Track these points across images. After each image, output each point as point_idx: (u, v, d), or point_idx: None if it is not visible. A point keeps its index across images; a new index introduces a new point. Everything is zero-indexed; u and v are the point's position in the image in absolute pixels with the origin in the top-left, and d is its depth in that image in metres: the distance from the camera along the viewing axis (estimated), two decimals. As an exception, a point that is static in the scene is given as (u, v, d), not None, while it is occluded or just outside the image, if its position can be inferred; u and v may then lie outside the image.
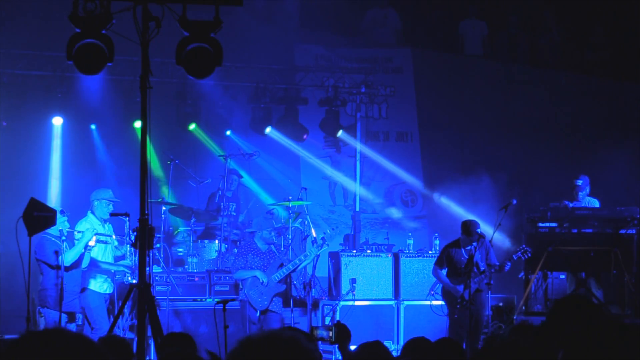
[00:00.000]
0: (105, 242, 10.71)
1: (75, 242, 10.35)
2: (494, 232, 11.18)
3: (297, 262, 11.10)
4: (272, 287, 10.78)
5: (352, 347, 6.37)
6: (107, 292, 10.77)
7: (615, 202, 12.89)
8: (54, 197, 13.47)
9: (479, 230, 11.06)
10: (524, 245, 11.38)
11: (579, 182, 12.69)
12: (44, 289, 10.07)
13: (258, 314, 10.69)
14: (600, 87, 16.20)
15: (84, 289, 10.51)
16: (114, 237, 10.73)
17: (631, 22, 15.71)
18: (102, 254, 10.69)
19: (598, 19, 16.75)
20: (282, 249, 12.47)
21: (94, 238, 10.47)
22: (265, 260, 10.90)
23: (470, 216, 11.94)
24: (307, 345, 2.69)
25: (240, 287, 10.91)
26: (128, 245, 10.55)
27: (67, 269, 10.02)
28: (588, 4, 16.43)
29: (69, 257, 10.07)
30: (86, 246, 10.36)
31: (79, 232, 10.41)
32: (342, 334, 5.91)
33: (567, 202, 12.56)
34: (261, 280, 10.72)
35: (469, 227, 11.03)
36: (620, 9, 16.01)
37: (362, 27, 16.77)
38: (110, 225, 10.91)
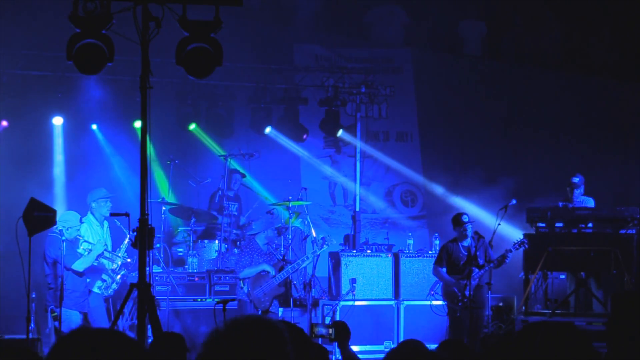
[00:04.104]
0: (110, 259, 10.76)
1: (81, 250, 10.42)
2: (494, 233, 11.19)
3: (296, 265, 11.14)
4: (273, 289, 10.81)
5: (355, 348, 6.37)
6: (107, 293, 10.79)
7: (616, 202, 12.88)
8: (58, 197, 13.48)
9: (466, 217, 11.10)
10: (521, 237, 11.38)
11: (576, 180, 12.69)
12: (65, 290, 10.01)
13: (260, 313, 10.69)
14: (603, 87, 16.19)
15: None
16: (119, 262, 10.73)
17: (634, 23, 15.69)
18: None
19: (601, 19, 16.74)
20: (282, 249, 12.47)
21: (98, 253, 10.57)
22: (267, 261, 10.92)
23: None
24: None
25: (241, 286, 10.91)
26: (119, 260, 10.68)
27: (68, 269, 10.14)
28: (590, 4, 16.42)
29: (80, 266, 10.20)
30: (99, 255, 10.49)
31: (87, 242, 10.47)
32: (341, 331, 5.91)
33: (561, 203, 12.56)
34: (271, 274, 10.73)
35: (457, 219, 11.11)
36: (624, 9, 16.00)
37: (365, 24, 16.75)
38: (107, 223, 10.98)
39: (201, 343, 2.82)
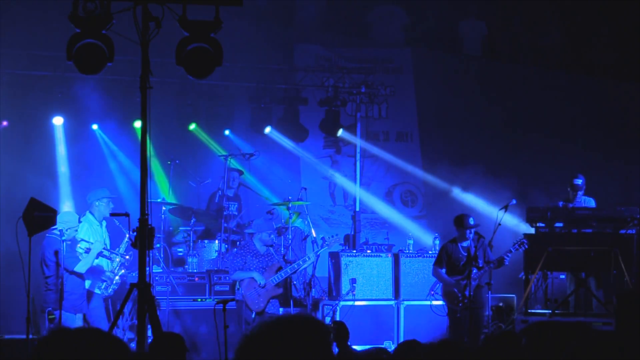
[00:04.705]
0: (108, 258, 10.75)
1: (79, 249, 10.40)
2: (493, 233, 11.17)
3: (296, 266, 11.08)
4: (270, 289, 10.76)
5: (358, 348, 6.37)
6: (106, 293, 10.77)
7: (617, 202, 12.87)
8: (59, 197, 13.47)
9: (472, 220, 11.07)
10: (520, 238, 11.36)
11: (578, 182, 12.66)
12: (64, 292, 9.98)
13: (254, 315, 10.67)
14: (603, 87, 16.19)
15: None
16: (118, 259, 10.71)
17: (635, 23, 15.69)
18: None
19: (601, 19, 16.74)
20: (282, 249, 12.45)
21: (98, 251, 10.53)
22: (264, 262, 10.88)
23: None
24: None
25: (238, 287, 10.90)
26: (118, 257, 10.66)
27: (71, 273, 10.13)
28: (591, 4, 16.41)
29: (82, 267, 10.19)
30: (98, 254, 10.47)
31: (84, 241, 10.44)
32: (340, 332, 5.92)
33: (561, 202, 12.55)
34: (258, 283, 10.70)
35: (462, 219, 11.07)
36: (624, 9, 15.99)
37: (367, 23, 16.76)
38: (105, 222, 10.95)
39: (244, 335, 2.78)
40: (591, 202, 12.68)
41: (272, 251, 11.07)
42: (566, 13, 16.90)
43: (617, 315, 3.09)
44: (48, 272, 10.18)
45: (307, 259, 11.26)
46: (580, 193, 12.63)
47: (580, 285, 12.13)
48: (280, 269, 10.87)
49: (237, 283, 10.91)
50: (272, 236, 11.04)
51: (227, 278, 11.89)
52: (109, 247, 10.87)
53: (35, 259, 9.79)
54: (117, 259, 10.71)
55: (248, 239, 11.26)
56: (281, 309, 11.35)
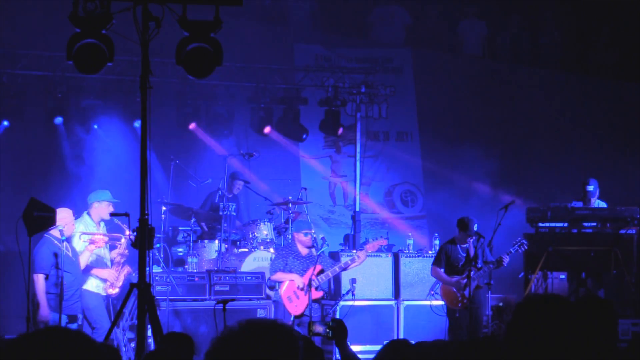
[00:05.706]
0: (112, 241, 10.70)
1: (84, 243, 10.37)
2: (493, 233, 11.17)
3: (337, 269, 10.92)
4: (309, 293, 10.64)
5: (355, 348, 6.36)
6: (105, 294, 10.72)
7: (617, 203, 12.88)
8: (60, 197, 13.44)
9: (476, 226, 11.06)
10: (520, 238, 11.36)
11: (590, 188, 12.54)
12: (48, 292, 9.94)
13: (292, 318, 10.62)
14: (603, 88, 16.19)
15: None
16: (123, 240, 10.64)
17: (635, 23, 15.69)
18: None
19: (601, 19, 16.74)
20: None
21: (104, 239, 10.47)
22: (305, 264, 10.79)
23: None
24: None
25: (276, 287, 10.86)
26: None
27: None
28: (591, 4, 16.41)
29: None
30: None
31: (85, 233, 10.40)
32: (338, 330, 5.90)
33: (574, 202, 12.49)
34: (297, 285, 10.66)
35: (467, 224, 11.04)
36: (624, 9, 15.99)
37: (367, 23, 16.77)
38: (103, 223, 10.91)
39: (214, 339, 2.79)
40: (603, 206, 12.64)
41: (313, 252, 10.97)
42: (566, 13, 16.90)
43: (511, 321, 3.06)
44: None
45: (355, 258, 11.10)
46: (593, 199, 12.56)
47: (580, 285, 12.14)
48: (322, 271, 10.78)
49: (277, 284, 10.85)
50: (310, 236, 10.91)
51: (227, 278, 11.91)
52: (108, 248, 10.82)
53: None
54: (123, 240, 10.62)
55: (292, 240, 11.25)
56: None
